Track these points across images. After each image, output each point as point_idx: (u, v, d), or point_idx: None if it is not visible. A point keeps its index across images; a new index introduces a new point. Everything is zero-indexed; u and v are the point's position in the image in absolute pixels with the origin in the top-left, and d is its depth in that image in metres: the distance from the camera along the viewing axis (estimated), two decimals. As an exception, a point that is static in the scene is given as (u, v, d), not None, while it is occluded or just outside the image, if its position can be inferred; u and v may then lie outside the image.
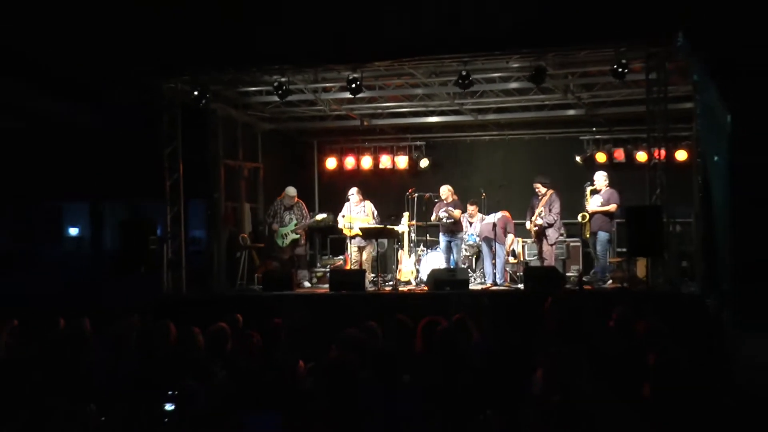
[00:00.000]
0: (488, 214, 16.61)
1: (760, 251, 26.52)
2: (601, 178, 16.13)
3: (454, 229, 16.83)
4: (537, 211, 16.26)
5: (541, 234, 16.32)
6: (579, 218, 16.33)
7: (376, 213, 17.39)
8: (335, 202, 18.14)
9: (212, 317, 9.74)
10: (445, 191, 16.92)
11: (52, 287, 22.04)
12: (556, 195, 16.32)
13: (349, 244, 17.67)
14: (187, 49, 16.92)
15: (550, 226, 16.30)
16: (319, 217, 18.11)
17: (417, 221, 17.15)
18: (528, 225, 16.47)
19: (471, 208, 16.98)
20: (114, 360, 8.82)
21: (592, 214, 15.92)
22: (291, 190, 17.64)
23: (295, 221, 17.40)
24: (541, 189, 16.44)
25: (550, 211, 16.22)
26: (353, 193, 17.45)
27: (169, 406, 6.10)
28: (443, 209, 16.74)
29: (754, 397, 6.03)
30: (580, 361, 6.05)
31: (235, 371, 7.13)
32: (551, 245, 16.43)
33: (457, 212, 16.65)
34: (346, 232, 17.44)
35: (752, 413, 4.85)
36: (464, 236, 17.08)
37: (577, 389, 5.73)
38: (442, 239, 17.03)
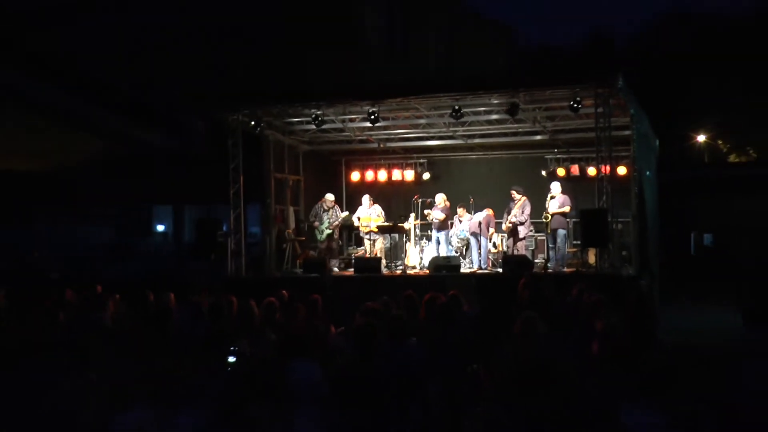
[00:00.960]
0: (474, 213, 16.68)
1: (679, 243, 26.61)
2: (555, 187, 16.23)
3: (441, 226, 16.88)
4: (513, 212, 16.30)
5: (514, 230, 16.36)
6: (543, 218, 16.38)
7: (383, 213, 17.54)
8: (358, 206, 18.17)
9: (265, 293, 9.81)
10: (440, 198, 16.99)
11: (145, 270, 22.18)
12: (528, 201, 16.35)
13: (365, 238, 17.79)
14: (247, 91, 17.14)
15: (522, 224, 16.34)
16: (344, 215, 18.18)
17: (420, 220, 17.19)
18: (504, 224, 16.49)
19: (460, 210, 17.00)
20: (192, 325, 8.92)
21: (552, 215, 15.99)
22: (329, 197, 17.74)
23: (329, 221, 17.54)
24: (516, 195, 16.46)
25: (522, 212, 16.26)
26: (366, 199, 17.67)
27: (231, 359, 6.19)
28: (434, 212, 16.88)
29: (671, 348, 6.12)
30: (544, 326, 6.12)
31: (281, 334, 7.20)
32: (522, 239, 16.48)
33: (442, 215, 16.83)
34: (362, 228, 17.55)
35: (669, 361, 4.91)
36: (451, 231, 17.12)
37: (541, 347, 5.80)
38: (434, 234, 17.11)
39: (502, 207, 16.77)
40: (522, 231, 16.46)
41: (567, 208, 15.81)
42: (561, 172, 17.97)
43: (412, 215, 17.11)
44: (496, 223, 16.70)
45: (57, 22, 31.59)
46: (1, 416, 4.47)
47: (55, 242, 22.96)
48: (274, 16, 30.96)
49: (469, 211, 16.82)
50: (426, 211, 17.14)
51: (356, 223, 17.60)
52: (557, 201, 15.99)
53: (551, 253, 16.57)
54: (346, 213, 18.24)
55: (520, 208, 16.32)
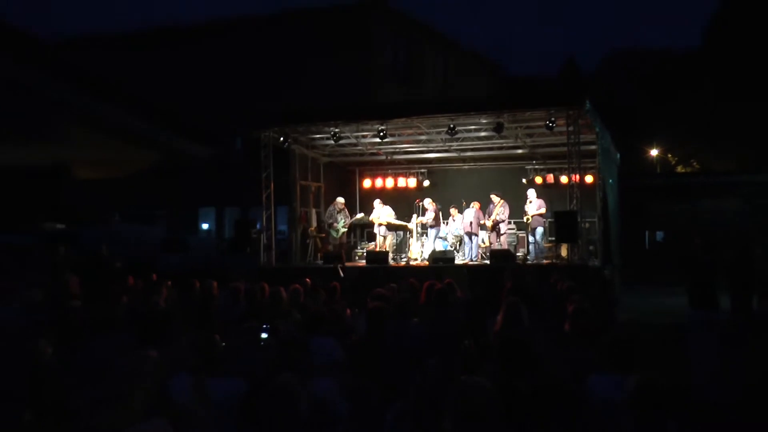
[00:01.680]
0: (463, 212, 16.74)
1: (636, 240, 26.57)
2: (531, 193, 16.32)
3: (433, 225, 16.92)
4: (496, 211, 16.36)
5: (496, 227, 16.41)
6: (524, 219, 16.39)
7: (393, 213, 17.52)
8: (369, 208, 18.20)
9: (291, 280, 9.82)
10: (428, 202, 17.08)
11: (192, 261, 22.18)
12: (505, 203, 16.46)
13: (377, 234, 17.79)
14: (276, 113, 17.16)
15: (503, 222, 16.43)
16: (359, 216, 18.29)
17: (420, 220, 17.21)
18: (487, 222, 16.47)
19: (453, 211, 17.08)
20: (231, 306, 8.92)
21: (531, 216, 16.01)
22: (340, 200, 17.77)
23: (344, 220, 17.54)
24: (495, 198, 16.56)
25: (504, 212, 16.40)
26: (377, 203, 17.73)
27: (263, 335, 6.17)
28: (426, 214, 16.92)
29: (628, 326, 6.11)
30: (525, 309, 6.10)
31: (306, 314, 7.19)
32: (502, 234, 16.52)
33: (432, 215, 16.95)
34: (376, 221, 17.56)
35: (628, 336, 4.89)
36: (446, 229, 17.25)
37: (521, 326, 5.78)
38: (429, 231, 17.16)
39: (486, 208, 16.78)
40: (503, 227, 16.55)
41: (543, 210, 15.90)
42: (539, 180, 17.99)
43: (414, 216, 17.14)
44: (480, 222, 16.68)
45: (124, 56, 31.70)
46: (77, 382, 4.47)
47: (119, 238, 22.96)
48: (300, 51, 31.06)
49: (460, 212, 16.85)
50: (418, 219, 17.21)
51: (377, 221, 17.57)
52: (534, 205, 16.08)
53: (531, 247, 16.59)
54: (362, 214, 18.34)
55: (501, 208, 16.41)
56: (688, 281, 9.10)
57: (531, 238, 16.50)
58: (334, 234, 17.54)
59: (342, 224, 17.54)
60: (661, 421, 3.28)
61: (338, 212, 17.56)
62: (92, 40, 34.19)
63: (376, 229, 17.72)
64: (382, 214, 17.47)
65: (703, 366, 8.48)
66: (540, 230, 16.05)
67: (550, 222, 16.33)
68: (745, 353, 9.47)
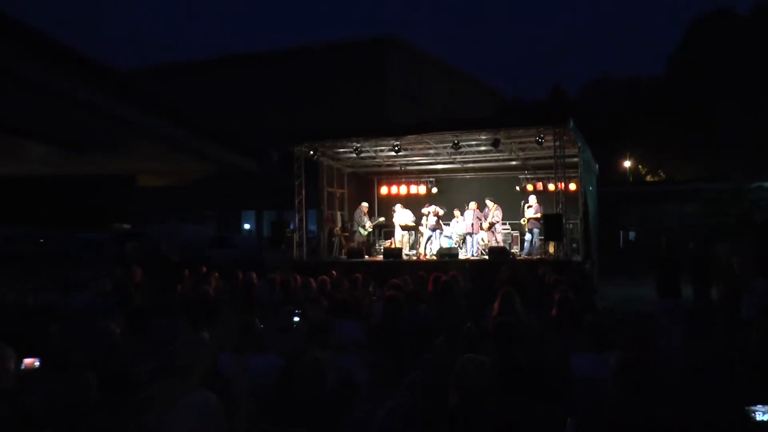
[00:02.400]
0: (464, 213, 16.77)
1: (612, 239, 26.44)
2: (532, 199, 16.16)
3: (435, 227, 16.84)
4: (492, 214, 16.38)
5: (491, 227, 16.41)
6: (522, 221, 16.39)
7: (411, 215, 17.49)
8: (386, 211, 18.23)
9: (319, 272, 9.84)
10: (433, 209, 16.99)
11: (236, 256, 22.31)
12: (498, 206, 16.51)
13: (394, 234, 17.80)
14: (308, 131, 17.21)
15: (497, 223, 16.47)
16: (381, 219, 18.36)
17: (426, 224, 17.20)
18: (484, 224, 16.43)
19: (457, 213, 17.02)
20: (268, 294, 8.94)
21: (528, 219, 15.94)
22: (364, 205, 17.76)
23: (368, 222, 17.58)
24: (489, 203, 16.58)
25: (499, 214, 16.40)
26: (398, 207, 17.69)
27: (296, 318, 6.19)
28: (429, 218, 16.91)
29: (606, 312, 6.07)
30: (518, 297, 6.08)
31: (331, 301, 7.20)
32: (498, 233, 16.52)
33: (434, 219, 16.86)
34: (397, 222, 17.58)
35: (605, 322, 4.87)
36: (451, 230, 17.16)
37: (515, 312, 5.76)
38: (434, 232, 17.02)
39: (482, 209, 16.79)
40: (498, 228, 16.57)
41: (539, 215, 15.71)
42: (530, 187, 17.82)
43: (424, 218, 17.11)
44: (480, 223, 16.63)
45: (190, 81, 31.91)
46: (141, 358, 4.49)
47: (176, 236, 23.13)
48: (327, 78, 31.17)
49: (462, 214, 16.82)
50: (421, 226, 17.15)
51: (398, 222, 17.58)
52: (533, 209, 15.93)
53: (526, 245, 16.47)
54: (383, 218, 18.45)
55: (496, 211, 16.42)
56: (656, 274, 9.05)
57: (528, 237, 16.40)
58: (362, 232, 17.54)
59: (368, 225, 17.57)
60: (638, 391, 3.28)
61: (363, 215, 17.58)
62: (157, 69, 34.43)
63: (396, 228, 17.71)
64: (402, 216, 17.46)
65: (668, 345, 8.49)
66: (536, 231, 15.92)
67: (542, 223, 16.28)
68: (703, 334, 9.60)
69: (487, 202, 16.64)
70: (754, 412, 3.47)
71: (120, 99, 4.38)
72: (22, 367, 4.14)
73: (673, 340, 8.51)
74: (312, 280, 8.78)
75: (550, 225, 14.11)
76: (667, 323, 8.67)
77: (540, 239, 15.79)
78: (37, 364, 4.26)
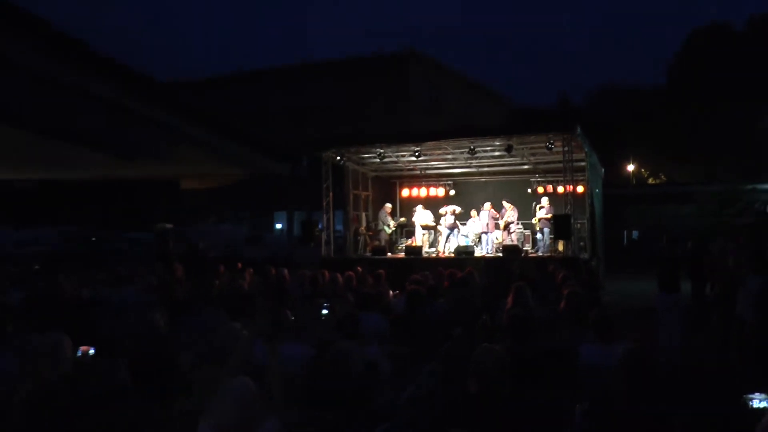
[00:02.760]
0: (480, 213, 16.64)
1: (616, 238, 26.22)
2: (545, 200, 15.99)
3: (452, 226, 16.77)
4: (507, 214, 16.31)
5: (507, 227, 16.33)
6: (533, 221, 16.28)
7: (432, 216, 17.39)
8: (407, 212, 18.22)
9: (346, 269, 9.86)
10: (450, 208, 16.94)
11: (269, 253, 22.42)
12: (514, 207, 16.39)
13: (415, 232, 17.72)
14: (335, 138, 17.25)
15: (512, 222, 16.38)
16: (402, 219, 18.31)
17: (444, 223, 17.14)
18: (501, 223, 16.37)
19: (473, 214, 16.91)
20: (299, 288, 8.97)
21: (540, 219, 15.80)
22: (388, 206, 17.72)
23: (392, 221, 17.57)
24: (506, 204, 16.49)
25: (515, 215, 16.35)
26: (419, 208, 17.57)
27: (324, 311, 6.21)
28: (446, 217, 16.86)
29: (611, 306, 6.03)
30: (529, 292, 6.05)
31: (357, 295, 7.21)
32: (512, 232, 16.42)
33: (452, 218, 16.81)
34: (418, 222, 17.47)
35: (610, 314, 4.83)
36: (467, 229, 17.00)
37: (526, 305, 5.73)
38: (448, 231, 16.91)
39: (497, 209, 16.76)
40: (513, 227, 16.48)
41: (550, 215, 15.54)
42: (540, 190, 17.64)
43: (442, 218, 17.06)
44: (495, 223, 16.56)
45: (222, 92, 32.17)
46: (182, 346, 4.54)
47: (213, 235, 23.35)
48: (352, 89, 31.29)
49: (478, 214, 16.74)
50: (440, 226, 17.04)
51: (419, 222, 17.46)
52: (545, 210, 15.77)
53: (539, 243, 16.33)
54: (403, 218, 18.36)
55: (512, 212, 16.34)
56: (657, 271, 8.97)
57: (539, 236, 16.28)
58: (387, 230, 17.50)
59: (392, 224, 17.55)
60: (643, 379, 3.27)
61: (387, 215, 17.57)
62: (192, 82, 34.68)
63: (416, 228, 17.65)
64: (422, 216, 17.40)
65: (668, 336, 8.45)
66: (547, 230, 15.77)
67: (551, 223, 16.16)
68: (699, 327, 9.59)
69: (504, 203, 16.55)
70: (750, 400, 3.45)
71: (167, 110, 4.45)
72: (79, 354, 4.20)
73: (672, 331, 8.45)
74: (339, 275, 8.79)
75: (559, 225, 14.00)
76: (667, 316, 8.60)
77: (550, 238, 15.68)
78: (92, 351, 4.32)
